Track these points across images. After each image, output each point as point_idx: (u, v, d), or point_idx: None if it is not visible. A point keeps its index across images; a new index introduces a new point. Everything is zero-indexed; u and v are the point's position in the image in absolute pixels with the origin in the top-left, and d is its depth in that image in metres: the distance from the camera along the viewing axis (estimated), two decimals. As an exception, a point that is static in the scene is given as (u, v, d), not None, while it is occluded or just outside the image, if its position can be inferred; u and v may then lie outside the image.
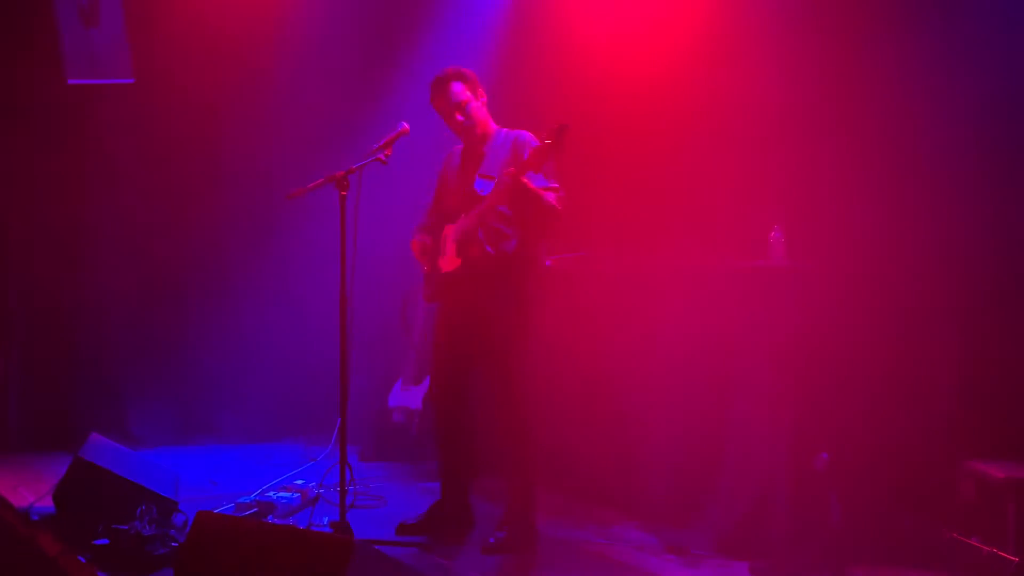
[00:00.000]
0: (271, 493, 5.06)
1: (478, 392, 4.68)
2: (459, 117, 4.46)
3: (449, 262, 4.49)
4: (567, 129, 4.00)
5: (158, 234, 6.61)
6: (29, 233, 6.44)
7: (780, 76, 4.94)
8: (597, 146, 5.61)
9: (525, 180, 4.19)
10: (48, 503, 4.53)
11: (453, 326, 4.61)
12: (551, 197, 4.31)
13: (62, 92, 6.17)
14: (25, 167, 6.42)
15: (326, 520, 4.59)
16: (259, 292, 6.85)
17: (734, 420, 4.64)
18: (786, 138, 4.88)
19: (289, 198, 4.41)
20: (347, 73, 6.76)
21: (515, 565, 4.30)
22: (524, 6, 6.12)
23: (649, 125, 5.42)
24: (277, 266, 6.84)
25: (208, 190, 6.70)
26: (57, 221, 6.48)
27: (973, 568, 3.88)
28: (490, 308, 4.42)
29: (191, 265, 6.71)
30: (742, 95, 5.06)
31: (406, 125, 4.44)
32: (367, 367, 6.19)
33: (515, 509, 4.48)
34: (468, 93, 4.46)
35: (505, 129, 4.55)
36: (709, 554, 4.36)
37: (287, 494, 5.03)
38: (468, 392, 4.65)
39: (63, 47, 6.07)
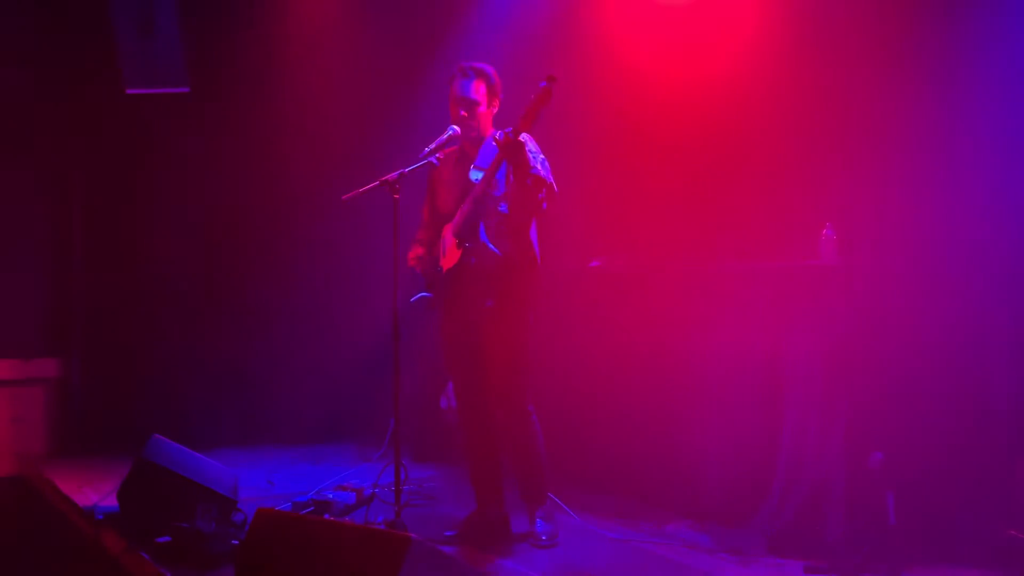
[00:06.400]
0: (327, 492, 5.14)
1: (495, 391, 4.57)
2: (463, 112, 4.45)
3: (450, 258, 4.46)
4: (555, 80, 4.00)
5: (218, 242, 6.76)
6: (93, 240, 6.63)
7: (830, 75, 4.91)
8: (648, 148, 5.62)
9: (521, 140, 4.11)
10: (112, 502, 4.64)
11: (457, 325, 4.54)
12: (541, 173, 4.25)
13: (120, 101, 6.31)
14: (85, 176, 6.61)
15: (381, 519, 4.64)
16: (315, 297, 6.96)
17: (787, 419, 4.62)
18: (836, 136, 4.85)
19: (344, 201, 4.46)
20: (396, 73, 6.80)
21: (571, 563, 4.32)
22: (573, 9, 6.12)
23: (699, 126, 5.41)
24: (332, 271, 6.94)
25: (265, 197, 6.81)
26: (119, 228, 6.66)
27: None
28: (486, 302, 4.39)
29: (251, 272, 6.83)
30: (791, 94, 5.04)
31: (457, 129, 4.45)
32: (418, 370, 6.24)
33: (538, 501, 4.57)
34: (485, 97, 4.46)
35: (499, 131, 4.51)
36: (763, 554, 4.34)
37: (343, 493, 5.11)
38: (487, 393, 4.55)
39: (121, 58, 6.20)
